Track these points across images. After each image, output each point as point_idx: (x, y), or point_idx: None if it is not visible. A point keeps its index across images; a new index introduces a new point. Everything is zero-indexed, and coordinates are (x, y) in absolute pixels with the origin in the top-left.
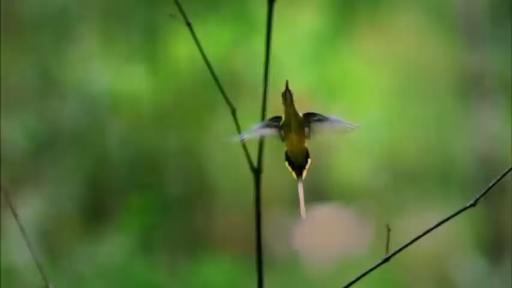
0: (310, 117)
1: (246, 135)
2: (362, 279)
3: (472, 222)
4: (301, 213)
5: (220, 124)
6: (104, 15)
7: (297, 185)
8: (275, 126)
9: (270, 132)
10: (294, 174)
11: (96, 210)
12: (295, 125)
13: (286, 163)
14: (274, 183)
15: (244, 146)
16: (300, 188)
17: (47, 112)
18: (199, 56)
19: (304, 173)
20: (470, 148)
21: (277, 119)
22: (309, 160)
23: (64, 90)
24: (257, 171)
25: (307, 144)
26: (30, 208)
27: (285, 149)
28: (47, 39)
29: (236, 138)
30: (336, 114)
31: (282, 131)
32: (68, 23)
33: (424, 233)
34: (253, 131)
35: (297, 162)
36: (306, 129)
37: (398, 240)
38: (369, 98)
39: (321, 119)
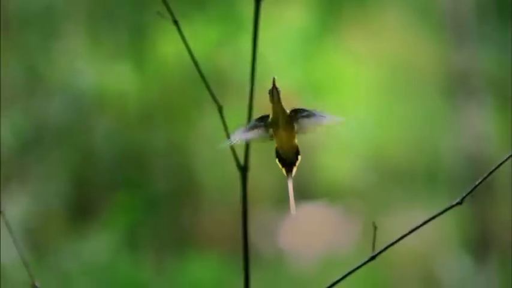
0: (297, 113)
1: (234, 139)
2: (348, 278)
3: (458, 221)
4: (291, 209)
5: (207, 122)
6: (90, 12)
7: (287, 182)
8: (262, 127)
9: (257, 134)
10: (283, 171)
11: (82, 208)
12: (283, 122)
13: (277, 160)
14: (260, 182)
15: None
16: (289, 184)
17: (33, 110)
18: (186, 54)
19: (294, 170)
20: (456, 147)
21: (264, 118)
22: (299, 157)
23: (50, 87)
24: (244, 169)
25: (297, 141)
26: (16, 206)
27: (276, 146)
28: (34, 36)
29: (224, 143)
30: (322, 110)
31: (271, 129)
32: (54, 21)
33: (411, 231)
34: (241, 134)
35: (288, 159)
36: (295, 126)
37: (384, 238)
38: (356, 96)
39: (308, 114)
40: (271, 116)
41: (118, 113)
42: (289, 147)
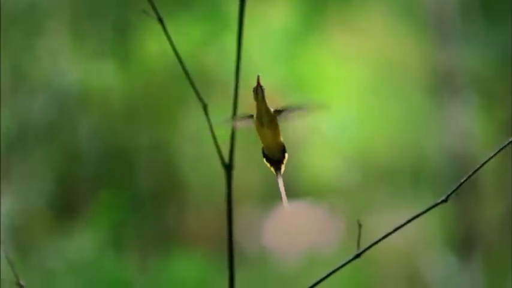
0: (280, 111)
1: (222, 122)
2: (333, 276)
3: (442, 220)
4: (284, 205)
5: (191, 120)
6: (74, 10)
7: (276, 180)
8: (249, 118)
9: (246, 122)
10: (272, 169)
11: (66, 206)
12: (267, 121)
13: (264, 160)
14: (245, 180)
15: (215, 142)
16: (280, 182)
17: (17, 108)
18: (171, 53)
19: (283, 168)
20: (441, 145)
21: (250, 116)
22: (286, 154)
23: (34, 85)
24: (229, 168)
25: (282, 138)
26: (1, 204)
27: (262, 145)
28: (18, 34)
29: (216, 123)
30: (302, 102)
31: (255, 127)
32: (38, 19)
33: (395, 230)
34: (230, 121)
35: (274, 157)
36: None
37: (369, 237)
38: (340, 95)
39: (290, 109)
40: (255, 114)
41: (102, 112)
42: (275, 145)
